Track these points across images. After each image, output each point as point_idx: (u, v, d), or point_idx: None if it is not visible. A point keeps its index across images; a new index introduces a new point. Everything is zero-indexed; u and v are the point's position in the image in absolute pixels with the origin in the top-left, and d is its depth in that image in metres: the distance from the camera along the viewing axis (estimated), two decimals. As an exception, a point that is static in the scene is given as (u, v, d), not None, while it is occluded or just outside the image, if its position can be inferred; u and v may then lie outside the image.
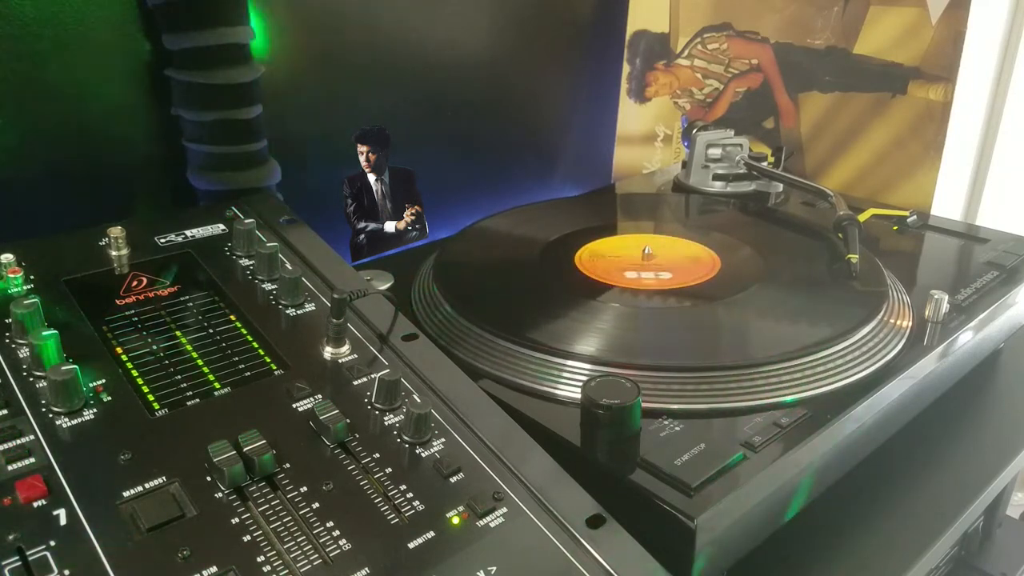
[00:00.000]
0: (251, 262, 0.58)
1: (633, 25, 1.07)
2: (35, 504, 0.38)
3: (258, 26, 0.73)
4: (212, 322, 0.52)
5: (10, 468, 0.39)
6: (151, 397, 0.45)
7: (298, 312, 0.54)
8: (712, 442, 0.47)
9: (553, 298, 0.63)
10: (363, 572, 0.37)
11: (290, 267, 0.57)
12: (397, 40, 0.87)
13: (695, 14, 1.04)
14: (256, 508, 0.39)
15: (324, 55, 0.82)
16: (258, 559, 0.36)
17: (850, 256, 0.67)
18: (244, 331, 0.52)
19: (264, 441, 0.41)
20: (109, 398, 0.44)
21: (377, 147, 0.87)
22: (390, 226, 0.91)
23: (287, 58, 0.79)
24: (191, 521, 0.38)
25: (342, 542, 0.38)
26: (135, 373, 0.47)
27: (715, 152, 0.91)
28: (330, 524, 0.39)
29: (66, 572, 0.35)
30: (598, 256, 0.71)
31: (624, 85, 1.10)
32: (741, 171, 0.90)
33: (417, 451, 0.44)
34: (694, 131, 0.92)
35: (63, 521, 0.37)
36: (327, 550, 0.37)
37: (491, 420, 0.47)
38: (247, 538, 0.37)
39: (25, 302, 0.47)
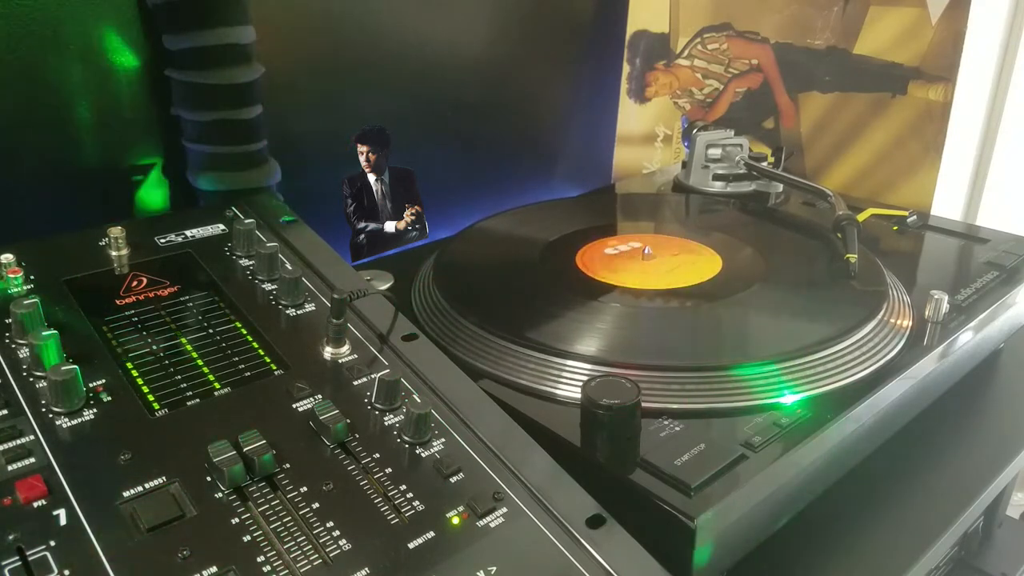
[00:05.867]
0: (251, 262, 0.58)
1: (633, 25, 1.07)
2: (35, 504, 0.38)
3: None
4: (212, 322, 0.52)
5: (10, 468, 0.39)
6: (151, 397, 0.45)
7: (298, 312, 0.54)
8: (712, 442, 0.47)
9: (553, 298, 0.63)
10: (363, 572, 0.37)
11: (290, 267, 0.57)
12: (397, 40, 0.87)
13: (695, 14, 1.04)
14: (256, 508, 0.39)
15: (324, 55, 0.82)
16: (258, 559, 0.36)
17: (848, 256, 0.67)
18: (244, 331, 0.52)
19: (264, 441, 0.41)
20: (109, 398, 0.44)
21: (377, 147, 0.87)
22: (390, 226, 0.91)
23: (287, 58, 0.79)
24: (191, 521, 0.38)
25: (342, 542, 0.38)
26: (135, 373, 0.47)
27: (715, 152, 0.91)
28: (330, 524, 0.39)
29: (66, 572, 0.35)
30: (598, 256, 0.71)
31: (624, 85, 1.10)
32: (741, 171, 0.90)
33: (417, 451, 0.44)
34: (694, 131, 0.92)
35: (63, 521, 0.37)
36: (327, 550, 0.37)
37: (491, 420, 0.47)
38: (247, 538, 0.37)
39: (25, 302, 0.47)
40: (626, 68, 1.09)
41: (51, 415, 0.43)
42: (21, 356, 0.46)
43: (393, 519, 0.40)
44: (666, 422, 0.49)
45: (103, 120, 0.70)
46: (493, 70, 0.98)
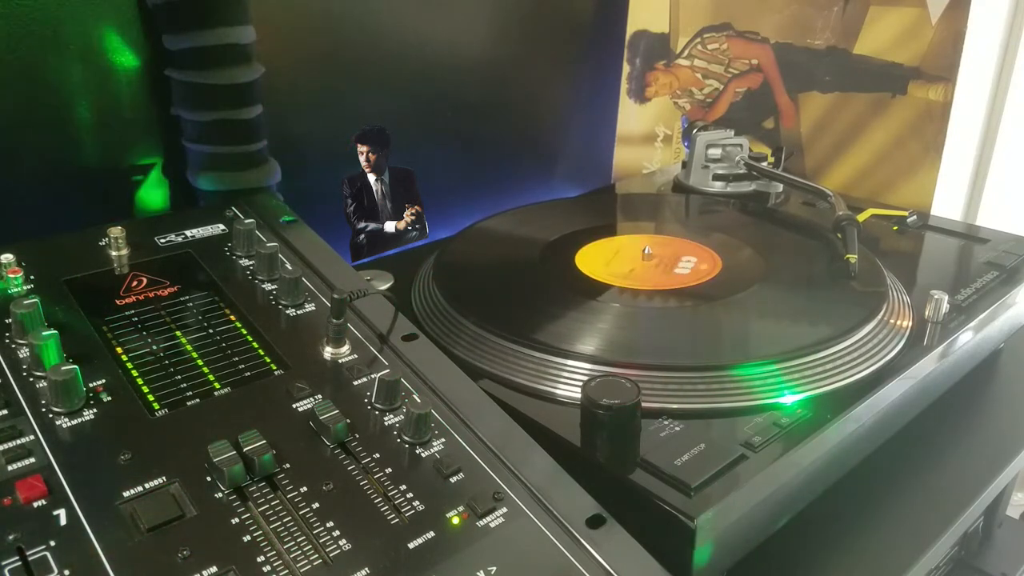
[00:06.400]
0: (251, 262, 0.58)
1: (633, 25, 1.07)
2: (35, 504, 0.38)
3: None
4: (212, 322, 0.52)
5: (10, 468, 0.39)
6: (151, 397, 0.45)
7: (298, 312, 0.54)
8: (712, 442, 0.47)
9: (553, 298, 0.63)
10: (363, 572, 0.37)
11: (290, 267, 0.57)
12: (397, 40, 0.87)
13: (695, 14, 1.04)
14: (256, 508, 0.39)
15: (324, 55, 0.82)
16: (258, 559, 0.36)
17: (848, 256, 0.67)
18: (244, 331, 0.52)
19: (264, 441, 0.41)
20: (109, 398, 0.44)
21: (377, 147, 0.87)
22: (390, 226, 0.91)
23: (287, 58, 0.79)
24: (191, 521, 0.38)
25: (342, 542, 0.38)
26: (135, 373, 0.47)
27: (715, 152, 0.91)
28: (330, 524, 0.39)
29: (66, 572, 0.35)
30: (598, 256, 0.71)
31: (624, 85, 1.10)
32: (741, 171, 0.90)
33: (417, 451, 0.44)
34: (694, 131, 0.92)
35: (63, 521, 0.37)
36: (327, 550, 0.37)
37: (491, 420, 0.47)
38: (247, 538, 0.37)
39: (25, 302, 0.47)
40: (626, 68, 1.09)
41: (51, 415, 0.43)
42: (21, 356, 0.46)
43: (393, 519, 0.40)
44: (666, 422, 0.49)
45: (103, 120, 0.70)
46: (493, 70, 0.98)
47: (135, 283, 0.55)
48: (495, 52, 0.97)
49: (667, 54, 1.07)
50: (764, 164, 0.90)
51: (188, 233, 0.61)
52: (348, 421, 0.44)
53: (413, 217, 0.92)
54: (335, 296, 0.50)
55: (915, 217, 0.82)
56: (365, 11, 0.83)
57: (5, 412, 0.42)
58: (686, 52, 1.06)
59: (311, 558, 0.37)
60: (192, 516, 0.38)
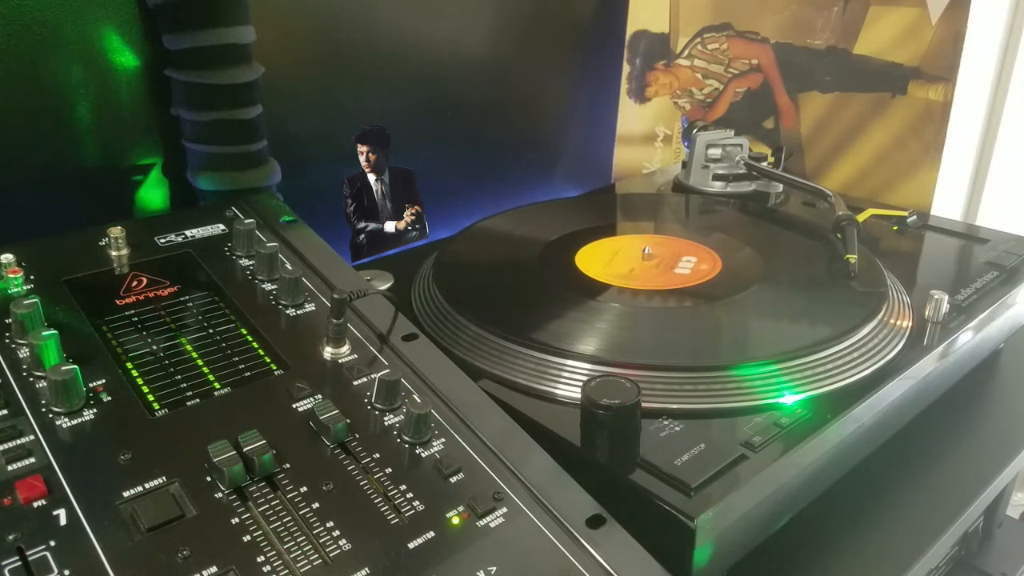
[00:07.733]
0: (251, 262, 0.58)
1: (633, 25, 1.07)
2: (35, 504, 0.38)
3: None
4: (212, 322, 0.52)
5: (10, 468, 0.39)
6: (151, 397, 0.45)
7: (298, 312, 0.54)
8: (712, 442, 0.47)
9: (553, 298, 0.63)
10: (363, 572, 0.37)
11: (290, 267, 0.57)
12: (397, 40, 0.87)
13: (695, 14, 1.04)
14: (256, 508, 0.39)
15: (324, 55, 0.82)
16: (258, 559, 0.36)
17: (848, 256, 0.67)
18: (244, 331, 0.52)
19: (264, 441, 0.41)
20: (109, 398, 0.44)
21: (377, 147, 0.87)
22: (390, 226, 0.91)
23: (287, 58, 0.79)
24: (191, 521, 0.38)
25: (342, 542, 0.38)
26: (135, 373, 0.47)
27: (715, 152, 0.91)
28: (330, 524, 0.39)
29: (66, 572, 0.35)
30: (598, 256, 0.71)
31: (624, 85, 1.10)
32: (741, 171, 0.90)
33: (417, 451, 0.44)
34: (694, 131, 0.92)
35: (63, 521, 0.37)
36: (327, 550, 0.37)
37: (491, 420, 0.47)
38: (247, 538, 0.37)
39: (25, 302, 0.47)
40: (626, 68, 1.09)
41: (51, 415, 0.43)
42: (21, 356, 0.46)
43: (393, 519, 0.40)
44: (666, 422, 0.49)
45: (103, 120, 0.70)
46: (493, 70, 0.98)
47: (135, 283, 0.55)
48: (495, 52, 0.97)
49: (667, 54, 1.07)
50: (764, 164, 0.90)
51: (188, 233, 0.61)
52: (348, 421, 0.44)
53: (413, 217, 0.92)
54: (335, 296, 0.50)
55: (915, 217, 0.82)
56: (365, 11, 0.83)
57: (5, 412, 0.42)
58: (686, 52, 1.06)
59: (311, 558, 0.37)
60: (192, 516, 0.38)
